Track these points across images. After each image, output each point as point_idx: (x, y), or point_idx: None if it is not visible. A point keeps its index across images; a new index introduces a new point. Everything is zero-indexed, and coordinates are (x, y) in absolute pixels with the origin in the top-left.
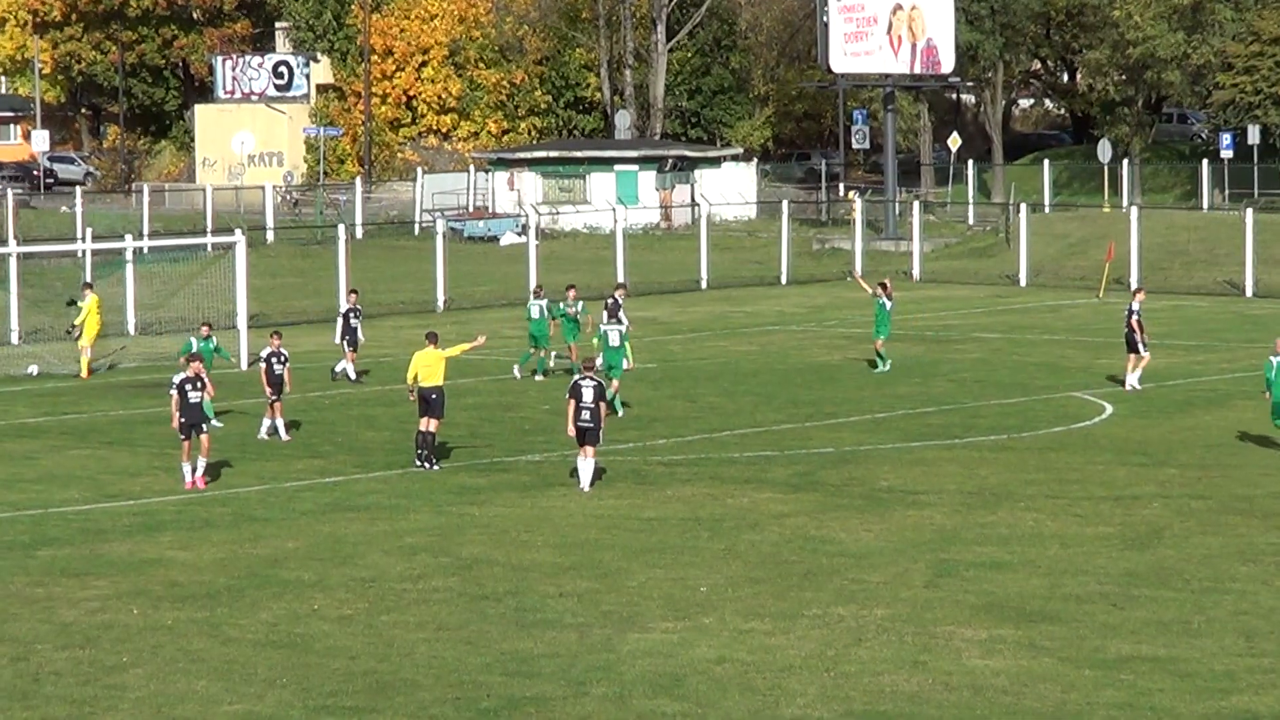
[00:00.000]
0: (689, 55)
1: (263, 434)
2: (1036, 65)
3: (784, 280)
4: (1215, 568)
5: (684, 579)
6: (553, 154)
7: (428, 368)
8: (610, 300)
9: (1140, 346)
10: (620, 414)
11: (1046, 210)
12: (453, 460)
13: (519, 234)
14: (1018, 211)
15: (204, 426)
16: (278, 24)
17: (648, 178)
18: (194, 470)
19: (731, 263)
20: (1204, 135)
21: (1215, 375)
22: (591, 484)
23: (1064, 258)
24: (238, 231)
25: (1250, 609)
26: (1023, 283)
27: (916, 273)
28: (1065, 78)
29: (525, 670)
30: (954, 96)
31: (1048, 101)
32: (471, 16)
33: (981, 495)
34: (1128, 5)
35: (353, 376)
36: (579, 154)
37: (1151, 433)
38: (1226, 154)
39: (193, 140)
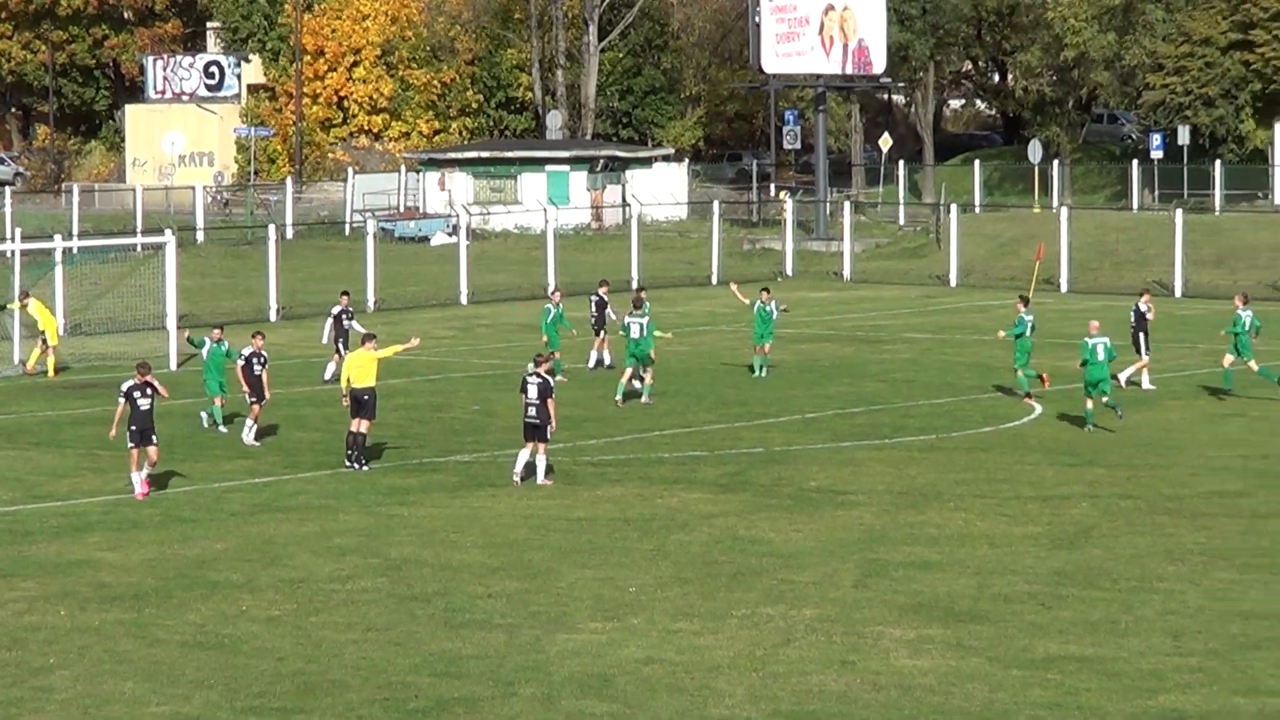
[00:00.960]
0: (621, 55)
1: (250, 439)
2: (968, 66)
3: (715, 280)
4: (1143, 567)
5: (613, 579)
6: (484, 154)
7: (360, 369)
8: (635, 296)
9: (1144, 348)
10: (649, 402)
11: (977, 211)
12: (383, 461)
13: (450, 234)
14: (948, 212)
15: (153, 436)
16: (209, 24)
17: (579, 178)
18: (143, 479)
19: (662, 263)
20: (1134, 136)
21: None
22: (547, 475)
23: (994, 258)
24: (168, 232)
25: (1178, 608)
26: (953, 283)
27: (847, 273)
28: (996, 78)
29: (453, 671)
30: (885, 97)
31: (979, 102)
32: (404, 17)
33: (910, 495)
34: (1060, 6)
35: (326, 376)
36: (510, 154)
37: (1080, 433)
38: (1156, 155)
39: (123, 140)
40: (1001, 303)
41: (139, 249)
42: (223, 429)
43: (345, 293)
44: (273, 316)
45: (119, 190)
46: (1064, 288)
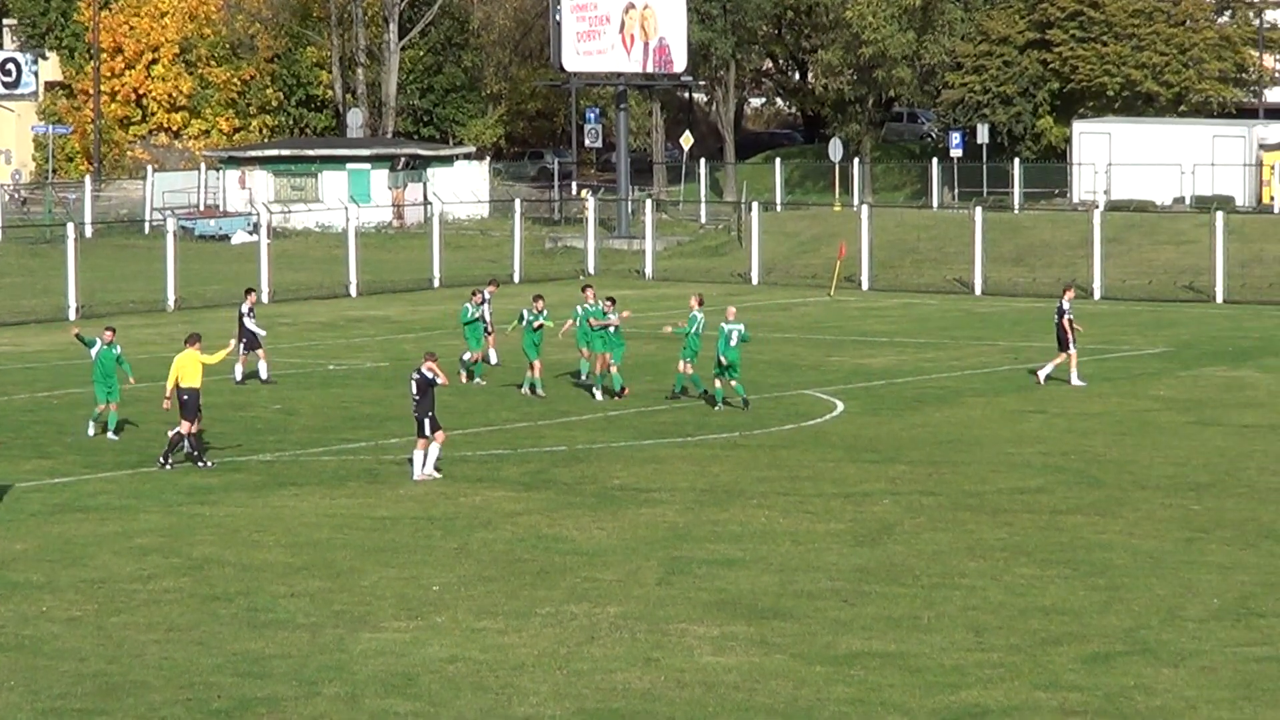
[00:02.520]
0: (421, 54)
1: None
2: (768, 64)
3: (517, 279)
4: (945, 563)
5: (416, 578)
6: (284, 152)
7: (186, 369)
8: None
9: (1070, 344)
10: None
11: (778, 209)
12: (182, 460)
13: (250, 232)
14: (749, 210)
15: None
16: (4, 20)
17: (380, 176)
18: None
19: (464, 261)
20: (934, 134)
21: (945, 373)
22: (435, 469)
23: (795, 256)
24: None
25: (979, 604)
26: (755, 281)
27: (649, 271)
28: (797, 77)
29: (257, 671)
30: (686, 95)
31: (779, 100)
32: (202, 14)
33: (713, 493)
34: (859, 5)
35: (264, 376)
36: (311, 152)
37: (882, 430)
38: (956, 153)
39: None
40: (803, 300)
41: None
42: (113, 436)
43: (250, 290)
44: (71, 315)
45: None
46: (865, 285)
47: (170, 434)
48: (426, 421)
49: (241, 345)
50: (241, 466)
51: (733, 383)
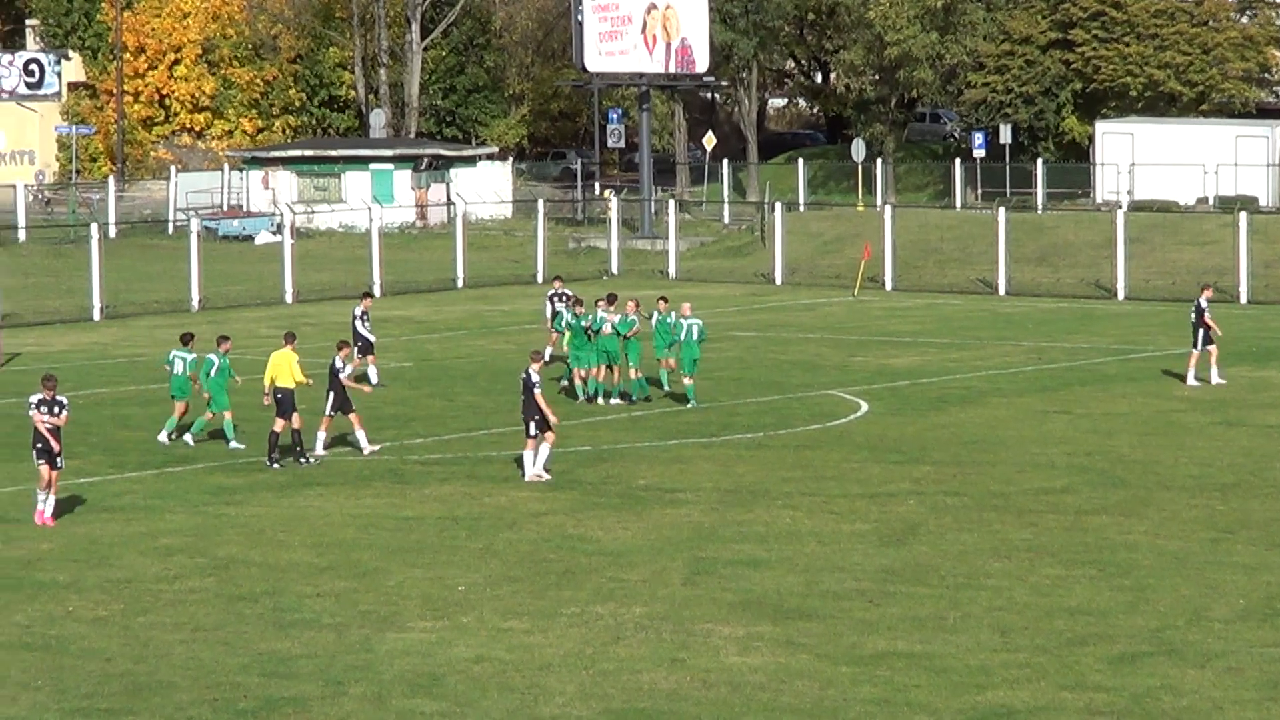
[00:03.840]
0: (444, 54)
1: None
2: (790, 65)
3: (540, 279)
4: (970, 564)
5: (442, 578)
6: (308, 153)
7: (282, 369)
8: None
9: (1207, 341)
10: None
11: (801, 209)
12: (208, 460)
13: (274, 233)
14: (772, 210)
15: (59, 460)
16: (28, 21)
17: (403, 176)
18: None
19: (487, 261)
20: (956, 134)
21: (969, 373)
22: (545, 469)
23: (818, 256)
24: None
25: (1005, 604)
26: (778, 281)
27: (672, 271)
28: (819, 77)
29: (283, 671)
30: (708, 96)
31: (801, 101)
32: (225, 14)
33: (739, 493)
34: (881, 5)
35: (373, 380)
36: (334, 153)
37: (906, 430)
38: (979, 153)
39: None
40: (827, 301)
41: None
42: (236, 444)
43: (367, 294)
44: (96, 316)
45: None
46: (889, 285)
47: (270, 434)
48: (532, 423)
49: (355, 350)
50: (266, 467)
51: (686, 380)
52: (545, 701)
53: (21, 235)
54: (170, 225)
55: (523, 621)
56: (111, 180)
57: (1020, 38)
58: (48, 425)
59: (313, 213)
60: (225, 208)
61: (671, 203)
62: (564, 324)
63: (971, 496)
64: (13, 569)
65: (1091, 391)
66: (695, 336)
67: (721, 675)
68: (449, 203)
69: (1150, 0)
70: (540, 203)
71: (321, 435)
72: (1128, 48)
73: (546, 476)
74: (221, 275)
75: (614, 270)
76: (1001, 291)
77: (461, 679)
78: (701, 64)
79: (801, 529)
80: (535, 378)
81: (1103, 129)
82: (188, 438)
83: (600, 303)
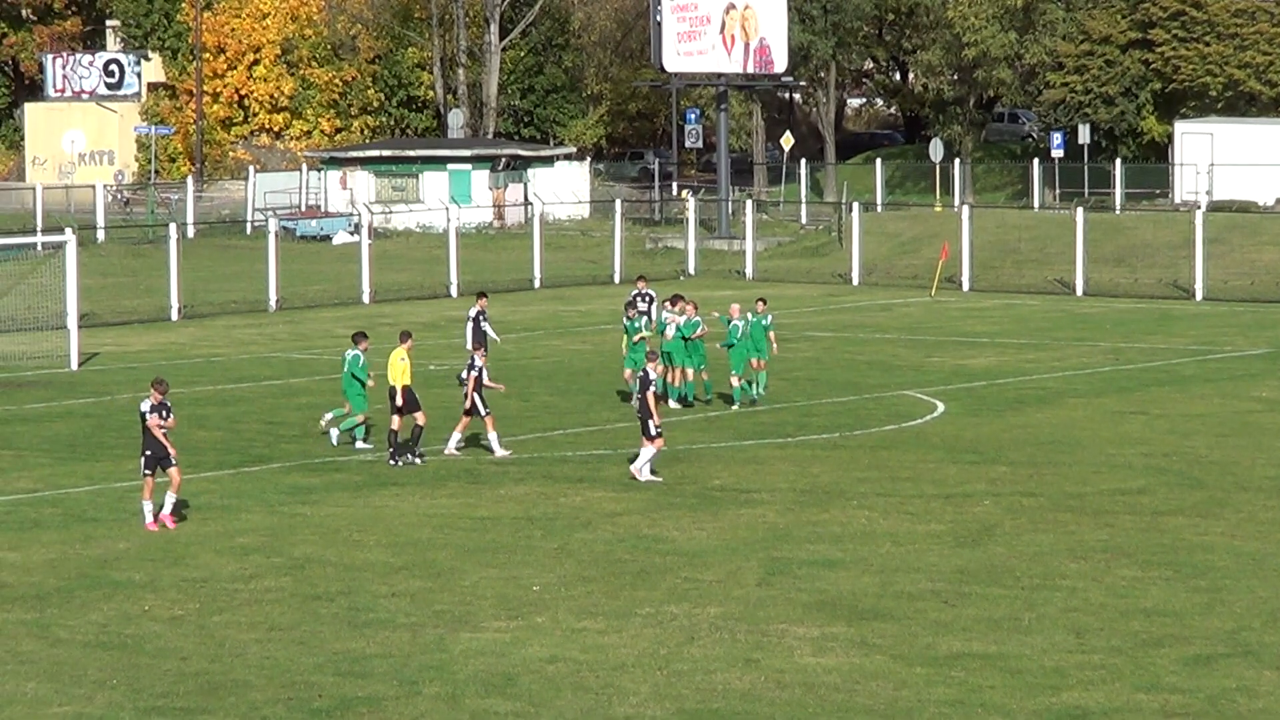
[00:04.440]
0: (522, 54)
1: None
2: (869, 65)
3: (617, 279)
4: (1045, 565)
5: (517, 578)
6: (385, 153)
7: (397, 367)
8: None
9: None
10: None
11: (879, 209)
12: (284, 460)
13: (352, 233)
14: (850, 210)
15: (171, 459)
16: (108, 22)
17: (481, 177)
18: (159, 509)
19: (565, 262)
20: (1035, 134)
21: (1046, 373)
22: (650, 471)
23: (896, 256)
24: (68, 231)
25: (1080, 606)
26: (855, 281)
27: (750, 272)
28: (897, 77)
29: (357, 670)
30: (786, 96)
31: (879, 101)
32: (304, 15)
33: (814, 493)
34: (960, 5)
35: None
36: (412, 153)
37: (983, 431)
38: (1057, 153)
39: (23, 139)
40: (904, 301)
41: (39, 248)
42: (364, 445)
43: (482, 294)
44: (174, 316)
45: (19, 189)
46: (966, 286)
47: (412, 430)
48: (650, 422)
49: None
50: (343, 466)
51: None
52: (619, 702)
53: (100, 235)
54: (248, 225)
55: (597, 622)
56: (190, 180)
57: (1100, 37)
58: (162, 430)
59: (390, 213)
60: (303, 208)
61: (749, 203)
62: (644, 325)
63: (1047, 497)
64: (90, 568)
65: (1169, 392)
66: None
67: (796, 676)
68: (526, 203)
69: (1230, 0)
70: (618, 203)
71: (455, 436)
72: (1207, 47)
73: (655, 479)
74: (299, 275)
75: (691, 270)
76: (1079, 292)
77: (535, 679)
78: (780, 64)
79: (877, 529)
80: (652, 376)
81: (1182, 129)
82: (361, 444)
83: (665, 304)
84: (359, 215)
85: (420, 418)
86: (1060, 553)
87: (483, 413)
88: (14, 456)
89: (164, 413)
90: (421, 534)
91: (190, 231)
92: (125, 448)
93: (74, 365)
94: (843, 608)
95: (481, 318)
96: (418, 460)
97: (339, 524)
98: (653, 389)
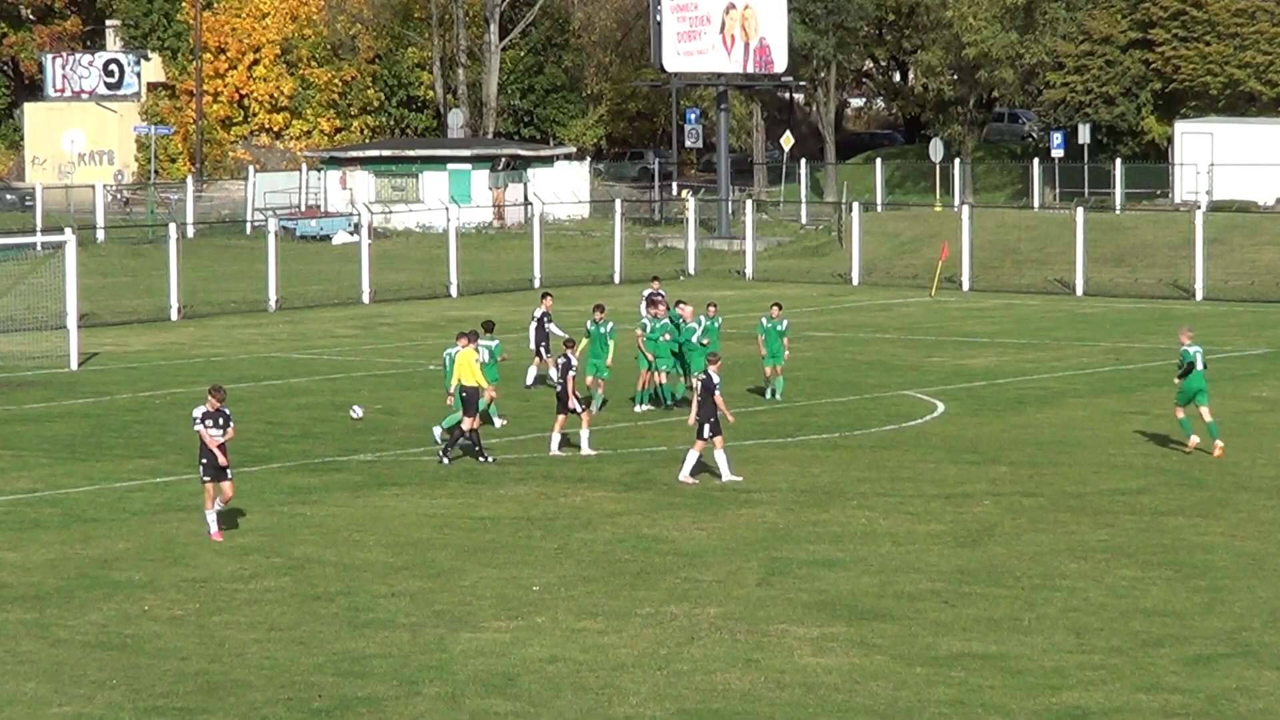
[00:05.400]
0: (522, 54)
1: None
2: (869, 65)
3: (617, 279)
4: (1046, 565)
5: (517, 578)
6: (385, 153)
7: (465, 368)
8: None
9: None
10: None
11: (879, 209)
12: (284, 460)
13: (351, 233)
14: (850, 210)
15: (228, 471)
16: (108, 22)
17: (481, 176)
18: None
19: (565, 262)
20: (1035, 134)
21: (1046, 374)
22: (690, 475)
23: (896, 256)
24: (68, 230)
25: (1080, 606)
26: (855, 281)
27: (749, 271)
28: (897, 77)
29: (357, 670)
30: (786, 96)
31: (880, 101)
32: (303, 15)
33: (814, 493)
34: (960, 5)
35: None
36: (412, 153)
37: (983, 431)
38: (1057, 153)
39: (22, 138)
40: (904, 301)
41: (39, 248)
42: (500, 421)
43: (547, 294)
44: (174, 316)
45: (18, 189)
46: (966, 286)
47: (454, 429)
48: (707, 425)
49: (543, 348)
50: (343, 466)
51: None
52: (619, 702)
53: (100, 235)
54: (248, 225)
55: (597, 622)
56: (190, 180)
57: (1100, 37)
58: (218, 442)
59: (390, 213)
60: (303, 208)
61: (749, 203)
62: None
63: (1047, 497)
64: (90, 568)
65: (1169, 393)
66: (1200, 366)
67: (796, 676)
68: (526, 203)
69: (1230, 0)
70: (617, 203)
71: (555, 436)
72: (1208, 47)
73: (736, 478)
74: (299, 275)
75: (691, 270)
76: (1079, 292)
77: (535, 679)
78: (780, 64)
79: (877, 529)
80: (716, 379)
81: (1182, 129)
82: (496, 420)
83: (643, 303)
84: (359, 215)
85: (467, 422)
86: (1060, 553)
87: (579, 410)
88: (14, 456)
89: (221, 421)
90: (421, 534)
91: (190, 231)
92: (125, 448)
93: (74, 365)
94: (843, 608)
95: (546, 319)
96: (483, 460)
97: (339, 524)
98: (719, 391)
